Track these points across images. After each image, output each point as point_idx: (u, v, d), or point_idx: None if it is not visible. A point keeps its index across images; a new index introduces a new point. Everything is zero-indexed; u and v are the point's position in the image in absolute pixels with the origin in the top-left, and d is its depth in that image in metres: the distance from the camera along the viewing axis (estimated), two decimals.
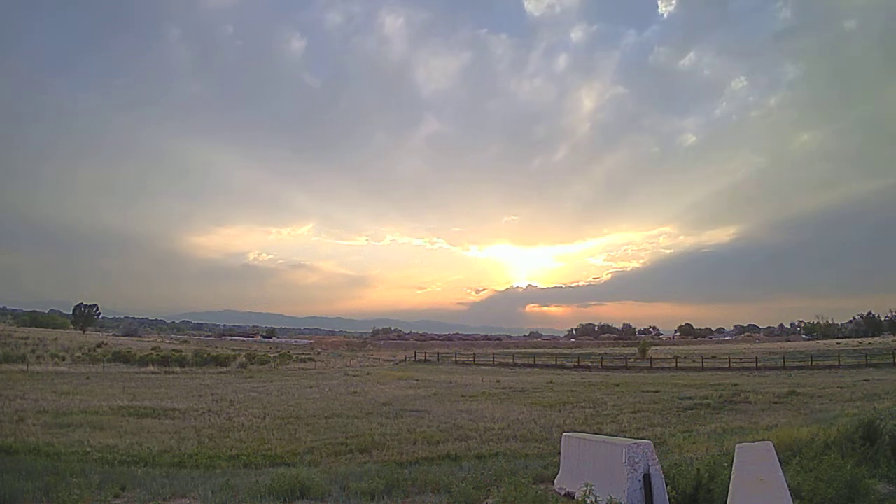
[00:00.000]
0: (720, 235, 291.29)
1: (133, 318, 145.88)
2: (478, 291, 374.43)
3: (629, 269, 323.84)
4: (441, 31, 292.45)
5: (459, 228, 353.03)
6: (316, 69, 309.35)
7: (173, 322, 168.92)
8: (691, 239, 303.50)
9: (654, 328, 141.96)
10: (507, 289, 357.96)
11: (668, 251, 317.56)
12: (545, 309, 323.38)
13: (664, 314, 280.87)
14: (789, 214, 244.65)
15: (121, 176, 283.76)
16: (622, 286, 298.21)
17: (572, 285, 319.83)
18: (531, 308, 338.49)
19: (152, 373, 34.41)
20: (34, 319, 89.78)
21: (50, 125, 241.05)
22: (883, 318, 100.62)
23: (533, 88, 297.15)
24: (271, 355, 53.11)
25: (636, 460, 5.05)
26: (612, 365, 50.34)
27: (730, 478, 3.91)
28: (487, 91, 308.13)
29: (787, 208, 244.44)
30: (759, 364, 43.74)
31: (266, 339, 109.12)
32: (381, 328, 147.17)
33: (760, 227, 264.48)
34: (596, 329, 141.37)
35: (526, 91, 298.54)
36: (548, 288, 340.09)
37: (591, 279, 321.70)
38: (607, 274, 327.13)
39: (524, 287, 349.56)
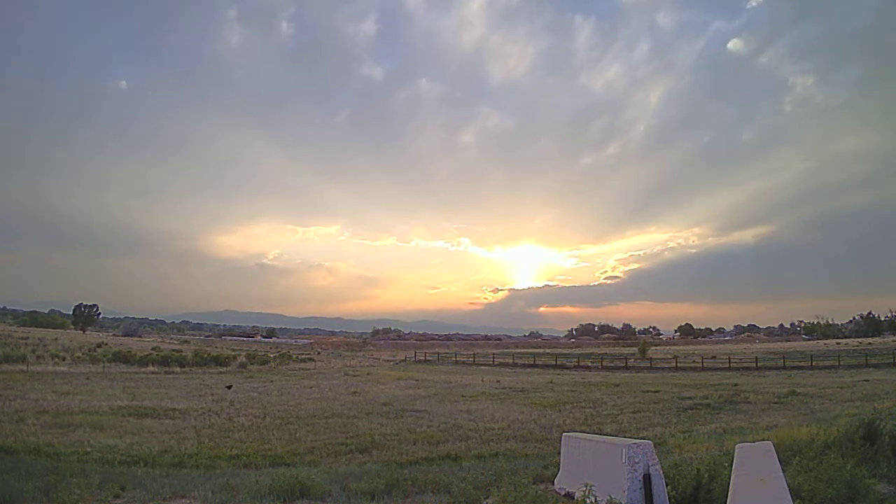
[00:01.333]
0: (745, 237, 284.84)
1: (133, 318, 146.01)
2: (495, 291, 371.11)
3: (646, 270, 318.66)
4: (524, 13, 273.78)
5: (486, 228, 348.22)
6: (381, 56, 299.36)
7: (173, 322, 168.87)
8: (721, 240, 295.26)
9: (654, 328, 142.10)
10: (524, 289, 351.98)
11: (693, 251, 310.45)
12: (559, 309, 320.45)
13: (677, 314, 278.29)
14: (823, 216, 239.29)
15: (154, 173, 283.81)
16: (637, 287, 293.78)
17: (589, 285, 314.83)
18: (545, 309, 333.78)
19: (152, 373, 34.43)
20: (34, 319, 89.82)
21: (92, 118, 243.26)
22: (883, 318, 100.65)
23: (605, 80, 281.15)
24: (271, 355, 53.14)
25: (636, 460, 5.05)
26: (612, 365, 50.34)
27: (730, 478, 3.91)
28: (556, 83, 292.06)
29: (823, 211, 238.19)
30: (759, 364, 43.74)
31: (266, 340, 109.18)
32: (381, 328, 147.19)
33: (790, 229, 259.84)
34: (596, 329, 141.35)
35: (597, 83, 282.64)
36: (563, 288, 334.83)
37: (604, 279, 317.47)
38: (622, 274, 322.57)
39: (540, 287, 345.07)
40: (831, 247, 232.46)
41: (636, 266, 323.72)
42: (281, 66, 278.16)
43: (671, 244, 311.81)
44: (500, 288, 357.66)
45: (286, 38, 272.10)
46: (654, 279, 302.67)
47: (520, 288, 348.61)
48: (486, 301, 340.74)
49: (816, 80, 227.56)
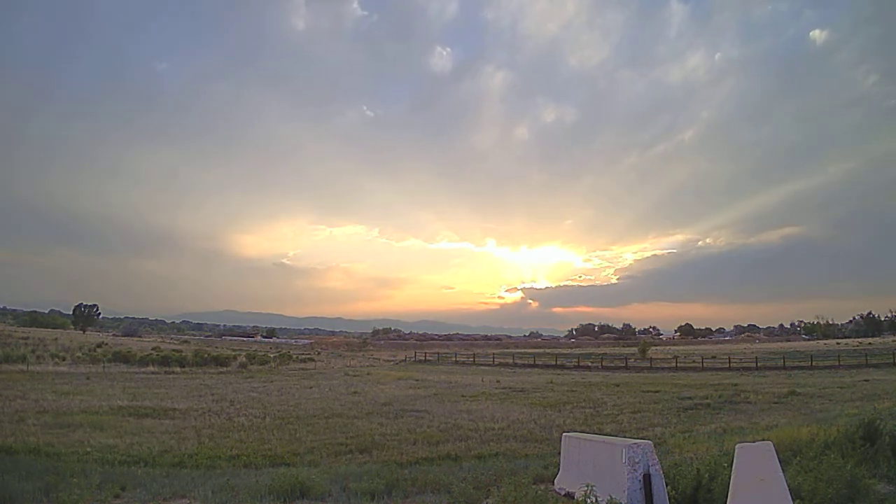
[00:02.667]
0: (771, 237, 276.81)
1: (133, 318, 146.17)
2: (512, 291, 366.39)
3: (661, 270, 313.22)
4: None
5: (514, 229, 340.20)
6: (454, 41, 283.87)
7: (173, 322, 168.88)
8: (747, 240, 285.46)
9: (654, 328, 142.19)
10: (541, 289, 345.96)
11: (712, 252, 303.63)
12: (574, 309, 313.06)
13: (689, 314, 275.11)
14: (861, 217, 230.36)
15: (187, 167, 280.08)
16: (651, 287, 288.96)
17: (604, 285, 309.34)
18: (559, 309, 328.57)
19: (152, 373, 34.41)
20: (34, 319, 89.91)
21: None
22: (883, 318, 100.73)
23: (684, 71, 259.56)
24: (271, 355, 53.13)
25: (636, 460, 5.04)
26: (612, 365, 50.33)
27: (730, 478, 3.91)
28: (630, 75, 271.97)
29: (860, 212, 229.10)
30: (759, 364, 43.74)
31: (266, 340, 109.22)
32: (381, 328, 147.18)
33: (817, 230, 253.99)
34: (596, 329, 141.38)
35: (674, 76, 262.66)
36: (580, 288, 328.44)
37: (618, 280, 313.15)
38: (639, 274, 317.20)
39: (554, 287, 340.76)
40: (842, 246, 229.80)
41: (652, 267, 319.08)
42: (342, 56, 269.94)
43: (690, 246, 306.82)
44: (517, 288, 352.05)
45: (355, 21, 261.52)
46: (669, 280, 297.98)
47: (538, 288, 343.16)
48: (500, 301, 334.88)
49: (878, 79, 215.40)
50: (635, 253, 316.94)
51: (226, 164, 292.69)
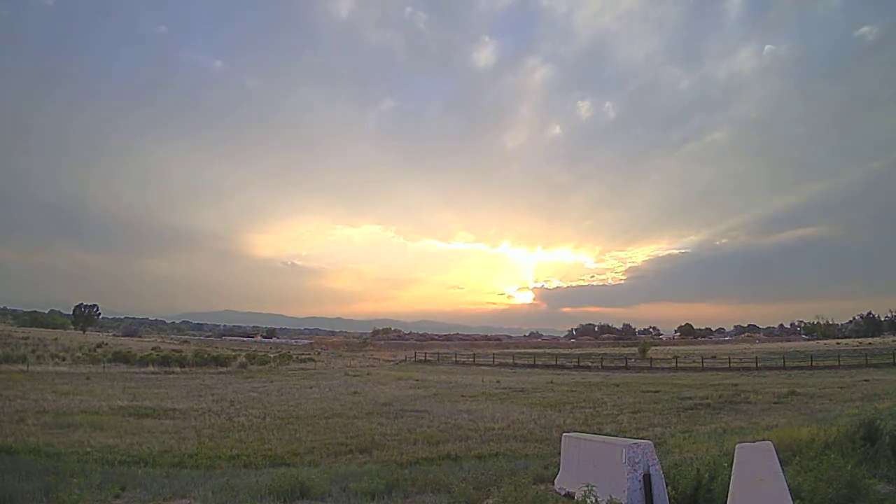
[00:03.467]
0: (788, 238, 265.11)
1: (133, 318, 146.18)
2: (521, 291, 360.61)
3: (669, 271, 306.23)
4: None
5: (530, 230, 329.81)
6: (501, 32, 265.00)
7: (173, 322, 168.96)
8: (765, 240, 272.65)
9: (654, 328, 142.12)
10: (551, 289, 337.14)
11: (730, 251, 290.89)
12: (584, 309, 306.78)
13: (704, 314, 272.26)
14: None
15: (208, 167, 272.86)
16: (658, 287, 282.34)
17: (614, 285, 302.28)
18: (569, 309, 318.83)
19: (152, 373, 34.41)
20: (34, 319, 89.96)
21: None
22: (883, 318, 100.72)
23: (729, 68, 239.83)
24: (271, 355, 53.13)
25: (636, 460, 5.05)
26: (612, 365, 50.33)
27: (730, 478, 3.91)
28: (675, 72, 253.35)
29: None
30: (759, 364, 43.73)
31: (266, 340, 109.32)
32: (381, 328, 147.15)
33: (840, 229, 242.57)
34: (596, 329, 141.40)
35: (719, 70, 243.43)
36: (589, 287, 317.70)
37: (626, 280, 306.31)
38: (649, 275, 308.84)
39: (564, 287, 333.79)
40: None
41: (664, 267, 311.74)
42: (382, 46, 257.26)
43: (706, 246, 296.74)
44: (527, 288, 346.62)
45: (401, 7, 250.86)
46: (681, 280, 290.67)
47: (548, 288, 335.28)
48: (509, 302, 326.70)
49: None
50: (649, 253, 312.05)
51: (250, 163, 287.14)
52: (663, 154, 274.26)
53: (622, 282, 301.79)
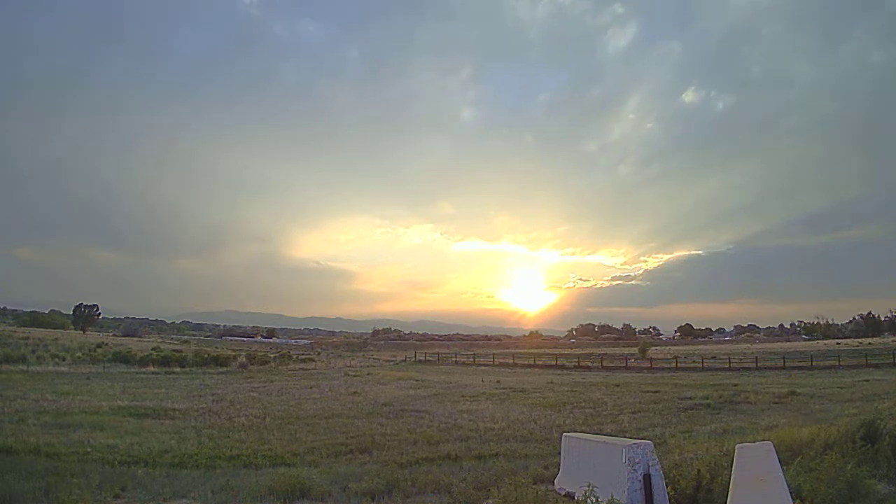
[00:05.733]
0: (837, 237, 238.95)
1: (133, 318, 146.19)
2: (552, 290, 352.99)
3: (692, 271, 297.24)
4: None
5: (566, 228, 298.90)
6: (626, 22, 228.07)
7: (173, 322, 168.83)
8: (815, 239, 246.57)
9: (654, 328, 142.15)
10: (581, 288, 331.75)
11: (770, 251, 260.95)
12: (610, 309, 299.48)
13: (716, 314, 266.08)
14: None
15: (254, 171, 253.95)
16: (670, 289, 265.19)
17: (640, 286, 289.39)
18: (593, 309, 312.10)
19: (153, 373, 34.40)
20: (34, 320, 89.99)
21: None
22: (883, 319, 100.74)
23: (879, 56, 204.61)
24: (271, 355, 53.16)
25: (636, 460, 5.05)
26: (613, 365, 50.33)
27: (730, 478, 3.91)
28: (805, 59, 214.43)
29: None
30: (759, 364, 43.75)
31: (266, 340, 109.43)
32: (381, 328, 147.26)
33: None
34: (596, 329, 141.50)
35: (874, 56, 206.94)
36: (612, 288, 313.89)
37: (650, 282, 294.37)
38: (681, 275, 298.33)
39: (589, 287, 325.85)
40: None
41: (687, 268, 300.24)
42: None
43: (744, 246, 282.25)
44: (561, 287, 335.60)
45: None
46: (711, 280, 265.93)
47: (585, 287, 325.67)
48: (532, 305, 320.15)
49: None
50: (680, 254, 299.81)
51: (306, 161, 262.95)
52: (729, 161, 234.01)
53: (650, 282, 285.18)
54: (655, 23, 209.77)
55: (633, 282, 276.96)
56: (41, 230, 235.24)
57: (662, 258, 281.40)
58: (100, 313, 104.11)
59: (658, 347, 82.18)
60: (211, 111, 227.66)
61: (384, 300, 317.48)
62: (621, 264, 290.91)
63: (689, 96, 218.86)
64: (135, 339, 77.87)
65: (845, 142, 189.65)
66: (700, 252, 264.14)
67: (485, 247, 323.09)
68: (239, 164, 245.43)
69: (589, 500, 4.65)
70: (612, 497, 4.72)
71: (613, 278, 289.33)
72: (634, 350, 66.85)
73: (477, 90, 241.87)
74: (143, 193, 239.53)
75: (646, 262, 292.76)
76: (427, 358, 61.24)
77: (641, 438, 7.06)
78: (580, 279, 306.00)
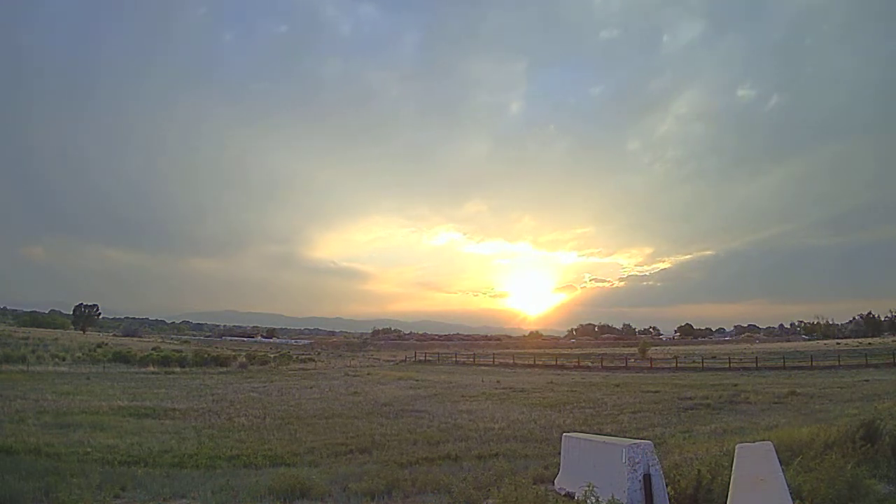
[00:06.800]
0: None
1: (133, 318, 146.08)
2: (563, 291, 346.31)
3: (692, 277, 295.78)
4: None
5: (589, 230, 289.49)
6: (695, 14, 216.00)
7: (173, 322, 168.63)
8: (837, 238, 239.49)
9: (654, 328, 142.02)
10: (598, 288, 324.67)
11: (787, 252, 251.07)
12: (619, 309, 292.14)
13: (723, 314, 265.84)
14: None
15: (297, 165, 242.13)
16: (684, 289, 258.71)
17: (657, 285, 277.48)
18: (604, 309, 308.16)
19: (152, 373, 34.41)
20: (34, 320, 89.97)
21: None
22: (883, 319, 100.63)
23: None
24: (271, 355, 53.17)
25: (636, 460, 5.04)
26: (613, 365, 50.34)
27: (730, 478, 3.91)
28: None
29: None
30: (759, 364, 43.75)
31: (266, 340, 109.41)
32: (381, 328, 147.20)
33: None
34: (596, 329, 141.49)
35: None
36: (617, 289, 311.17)
37: (664, 283, 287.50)
38: (696, 276, 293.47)
39: (598, 286, 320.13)
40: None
41: (703, 268, 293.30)
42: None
43: (745, 247, 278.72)
44: (574, 286, 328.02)
45: None
46: (725, 280, 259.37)
47: (601, 287, 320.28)
48: (541, 305, 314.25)
49: None
50: (699, 254, 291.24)
51: (336, 158, 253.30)
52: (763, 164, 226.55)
53: (662, 284, 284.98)
54: (722, 17, 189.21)
55: (647, 282, 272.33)
56: (55, 228, 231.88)
57: (680, 259, 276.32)
58: (100, 313, 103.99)
59: (658, 347, 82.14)
60: (236, 98, 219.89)
61: (393, 301, 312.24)
62: (637, 265, 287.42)
63: (740, 95, 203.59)
64: (135, 339, 77.85)
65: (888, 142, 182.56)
66: (716, 252, 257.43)
67: (503, 248, 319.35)
68: (268, 160, 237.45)
69: (589, 500, 4.65)
70: (612, 497, 4.72)
71: (628, 279, 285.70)
72: (634, 350, 66.86)
73: (529, 84, 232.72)
74: (166, 191, 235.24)
75: (663, 262, 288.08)
76: (427, 358, 61.22)
77: (641, 438, 7.06)
78: (594, 280, 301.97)
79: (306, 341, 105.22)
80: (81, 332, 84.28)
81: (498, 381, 31.26)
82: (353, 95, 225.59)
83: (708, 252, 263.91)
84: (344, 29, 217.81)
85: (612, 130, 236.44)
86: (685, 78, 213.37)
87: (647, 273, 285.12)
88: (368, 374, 37.98)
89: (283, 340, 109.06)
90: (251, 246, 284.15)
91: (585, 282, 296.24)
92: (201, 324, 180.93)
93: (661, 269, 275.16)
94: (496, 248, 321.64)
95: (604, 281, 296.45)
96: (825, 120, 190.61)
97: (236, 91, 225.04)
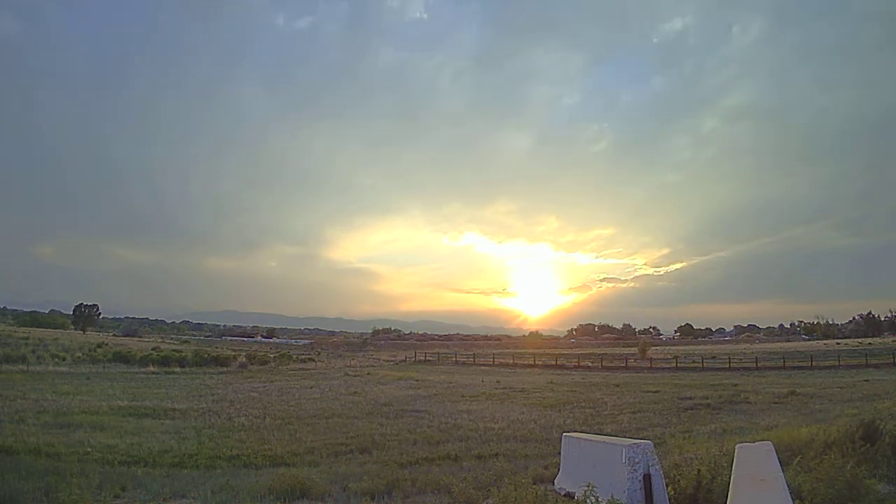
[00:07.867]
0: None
1: (133, 318, 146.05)
2: (572, 292, 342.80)
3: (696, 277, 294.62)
4: None
5: (611, 231, 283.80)
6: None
7: (173, 322, 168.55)
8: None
9: (654, 328, 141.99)
10: (606, 289, 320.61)
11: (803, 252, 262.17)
12: (635, 309, 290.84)
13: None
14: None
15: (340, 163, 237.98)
16: (697, 289, 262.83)
17: (665, 286, 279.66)
18: (615, 309, 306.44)
19: (152, 373, 34.40)
20: (34, 319, 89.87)
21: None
22: (883, 319, 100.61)
23: None
24: (271, 355, 53.15)
25: (636, 460, 5.04)
26: (613, 365, 50.32)
27: (730, 478, 3.91)
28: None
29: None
30: (758, 364, 43.75)
31: (266, 340, 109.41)
32: (381, 328, 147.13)
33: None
34: (596, 329, 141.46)
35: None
36: (629, 289, 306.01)
37: (673, 283, 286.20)
38: (713, 277, 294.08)
39: (611, 288, 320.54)
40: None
41: (717, 269, 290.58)
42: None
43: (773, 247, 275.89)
44: (575, 291, 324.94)
45: None
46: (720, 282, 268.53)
47: (609, 286, 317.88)
48: (544, 305, 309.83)
49: None
50: (716, 255, 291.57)
51: (369, 157, 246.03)
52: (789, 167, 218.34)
53: (675, 284, 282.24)
54: (787, 14, 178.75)
55: (661, 283, 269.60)
56: (67, 228, 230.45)
57: (696, 259, 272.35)
58: (100, 313, 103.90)
59: (658, 347, 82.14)
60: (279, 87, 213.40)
61: (401, 301, 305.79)
62: (652, 265, 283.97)
63: (788, 93, 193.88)
64: (135, 339, 77.85)
65: None
66: (729, 254, 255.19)
67: (522, 249, 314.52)
68: (302, 155, 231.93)
69: (589, 500, 4.65)
70: (612, 497, 4.72)
71: (641, 279, 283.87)
72: (634, 350, 66.87)
73: (586, 78, 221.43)
74: (185, 189, 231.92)
75: (680, 262, 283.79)
76: (427, 358, 61.21)
77: (641, 438, 7.06)
78: (606, 280, 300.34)
79: (306, 341, 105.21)
80: (81, 332, 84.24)
81: (498, 381, 31.25)
82: (404, 89, 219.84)
83: (721, 253, 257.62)
84: (403, 19, 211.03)
85: (659, 125, 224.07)
86: (741, 74, 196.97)
87: (662, 273, 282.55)
88: (368, 374, 37.98)
89: (283, 340, 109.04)
90: (267, 246, 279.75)
91: (599, 282, 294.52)
92: (201, 324, 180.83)
93: (675, 269, 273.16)
94: (515, 249, 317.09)
95: (617, 281, 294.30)
96: (861, 123, 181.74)
97: (279, 80, 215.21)
